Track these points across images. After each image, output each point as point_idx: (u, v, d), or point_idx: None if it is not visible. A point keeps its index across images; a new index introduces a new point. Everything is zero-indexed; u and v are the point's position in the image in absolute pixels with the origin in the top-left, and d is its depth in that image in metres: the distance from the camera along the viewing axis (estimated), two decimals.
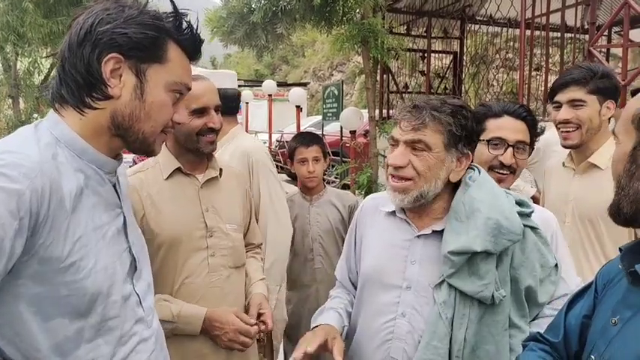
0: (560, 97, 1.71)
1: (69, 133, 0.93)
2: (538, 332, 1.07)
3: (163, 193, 1.52)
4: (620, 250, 0.88)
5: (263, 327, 1.57)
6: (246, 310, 1.62)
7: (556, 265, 1.25)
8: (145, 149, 1.01)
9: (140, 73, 0.94)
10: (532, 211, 1.23)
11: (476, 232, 1.14)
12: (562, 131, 1.71)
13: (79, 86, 0.92)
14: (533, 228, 1.23)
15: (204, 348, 1.52)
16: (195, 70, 1.79)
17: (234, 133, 2.18)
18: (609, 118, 1.73)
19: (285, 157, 3.81)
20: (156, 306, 1.29)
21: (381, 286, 1.29)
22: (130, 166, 2.02)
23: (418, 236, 1.26)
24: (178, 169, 1.55)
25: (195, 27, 1.01)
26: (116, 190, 1.02)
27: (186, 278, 1.50)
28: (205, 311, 1.48)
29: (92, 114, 0.94)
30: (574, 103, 1.67)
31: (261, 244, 1.92)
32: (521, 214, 1.20)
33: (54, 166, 0.86)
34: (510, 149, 1.49)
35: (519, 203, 1.23)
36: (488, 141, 1.51)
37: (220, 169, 1.63)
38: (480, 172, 1.26)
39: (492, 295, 1.14)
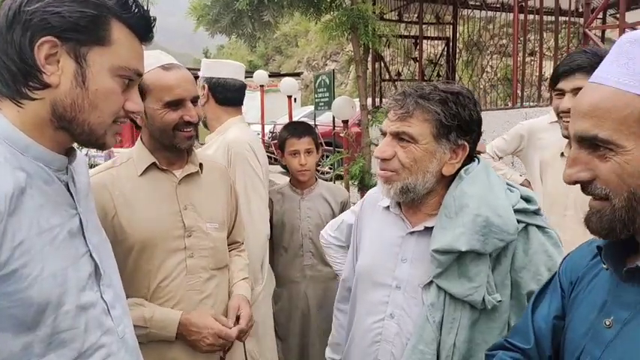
0: (564, 84, 1.62)
1: (8, 127, 0.83)
2: (505, 339, 0.99)
3: (137, 190, 1.42)
4: (599, 247, 0.82)
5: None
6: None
7: None
8: (94, 142, 0.91)
9: (80, 57, 0.84)
10: (539, 209, 1.12)
11: (462, 230, 1.06)
12: (564, 121, 1.64)
13: (12, 75, 0.82)
14: (540, 227, 1.12)
15: (182, 355, 1.43)
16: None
17: (228, 125, 2.07)
18: None
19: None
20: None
21: (372, 284, 1.24)
22: (105, 161, 1.92)
23: (411, 233, 1.19)
24: (154, 165, 1.44)
25: (143, 4, 0.89)
26: (69, 190, 0.92)
27: (162, 281, 1.41)
28: (180, 315, 1.39)
29: (31, 106, 0.84)
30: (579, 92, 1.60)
31: (244, 241, 1.82)
32: (525, 212, 1.10)
33: None
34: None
35: (526, 199, 1.12)
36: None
37: (200, 164, 1.52)
38: (478, 163, 1.16)
39: (484, 300, 1.05)
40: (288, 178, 2.49)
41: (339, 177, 6.02)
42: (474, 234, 1.05)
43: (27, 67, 0.82)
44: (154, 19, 0.93)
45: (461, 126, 1.12)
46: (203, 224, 1.48)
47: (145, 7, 0.90)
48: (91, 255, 0.93)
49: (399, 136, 1.13)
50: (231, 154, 1.95)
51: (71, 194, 0.92)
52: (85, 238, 0.93)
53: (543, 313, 0.92)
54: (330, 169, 6.94)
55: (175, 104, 1.41)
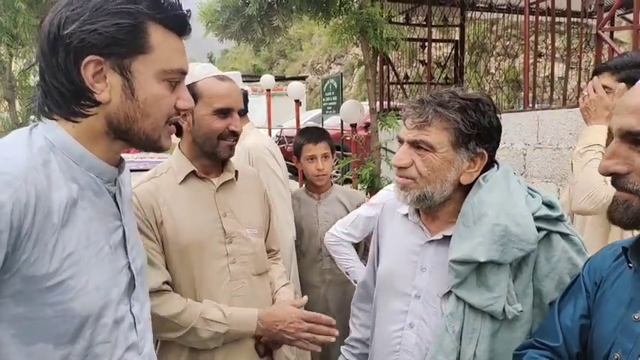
0: (597, 78, 1.72)
1: (65, 137, 0.83)
2: (534, 338, 1.00)
3: (178, 198, 1.44)
4: (625, 248, 0.88)
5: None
6: None
7: None
8: (152, 146, 0.92)
9: (124, 70, 0.83)
10: (561, 215, 1.09)
11: (480, 240, 1.03)
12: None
13: (63, 97, 0.82)
14: (563, 234, 1.09)
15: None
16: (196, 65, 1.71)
17: (244, 132, 2.10)
18: None
19: (286, 152, 3.70)
20: (207, 309, 1.32)
21: (393, 292, 1.22)
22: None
23: (430, 242, 1.17)
24: (192, 173, 1.47)
25: None
26: (116, 201, 0.92)
27: (207, 288, 1.42)
28: (257, 311, 1.41)
29: (86, 121, 0.84)
30: (605, 90, 1.67)
31: (279, 249, 1.83)
32: (547, 219, 1.07)
33: (43, 175, 0.76)
34: None
35: (548, 205, 1.09)
36: None
37: (236, 172, 1.54)
38: (497, 169, 1.14)
39: (504, 310, 1.03)
40: (297, 183, 2.50)
41: (347, 181, 6.00)
42: (492, 244, 1.03)
43: (76, 87, 0.81)
44: (189, 12, 0.90)
45: (480, 134, 1.09)
46: (243, 230, 1.49)
47: (179, 2, 0.88)
48: (130, 267, 0.93)
49: (416, 145, 1.11)
50: (252, 159, 1.97)
51: (118, 206, 0.92)
52: (126, 249, 0.93)
53: (569, 313, 0.95)
54: (338, 172, 6.93)
55: (224, 112, 1.44)
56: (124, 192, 0.97)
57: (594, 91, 1.68)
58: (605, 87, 1.67)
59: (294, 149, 2.39)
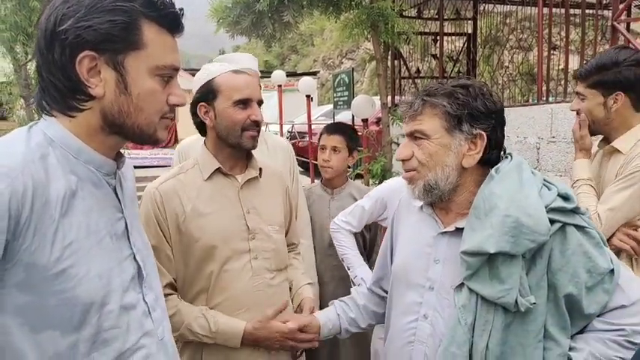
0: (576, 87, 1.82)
1: (63, 132, 0.87)
2: None
3: (203, 194, 1.48)
4: None
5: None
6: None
7: (612, 271, 1.09)
8: (147, 140, 0.94)
9: (118, 65, 0.86)
10: (577, 207, 1.09)
11: (490, 231, 1.04)
12: (577, 118, 1.82)
13: (59, 92, 0.85)
14: (579, 227, 1.08)
15: (245, 356, 1.49)
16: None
17: None
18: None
19: (297, 147, 3.71)
20: (193, 319, 1.34)
21: (407, 284, 1.24)
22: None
23: (443, 233, 1.19)
24: (218, 170, 1.50)
25: None
26: (117, 194, 0.95)
27: (229, 282, 1.46)
28: (244, 326, 1.43)
29: (82, 116, 0.87)
30: (579, 96, 1.78)
31: (300, 243, 1.88)
32: (562, 210, 1.07)
33: (41, 167, 0.80)
34: None
35: (564, 197, 1.09)
36: None
37: (260, 169, 1.57)
38: (511, 161, 1.14)
39: (517, 302, 1.03)
40: (308, 178, 2.54)
41: (359, 176, 6.00)
42: (503, 235, 1.03)
43: (72, 82, 0.84)
44: (182, 10, 0.93)
45: (472, 114, 1.11)
46: (265, 227, 1.53)
47: (172, 1, 0.91)
48: (134, 257, 0.96)
49: (413, 136, 1.16)
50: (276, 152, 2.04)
51: (118, 198, 0.95)
52: (129, 240, 0.96)
53: None
54: (350, 167, 6.93)
55: (244, 103, 1.47)
56: (125, 186, 1.00)
57: (580, 128, 1.76)
58: (579, 93, 1.77)
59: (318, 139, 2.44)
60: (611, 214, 1.57)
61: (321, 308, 2.33)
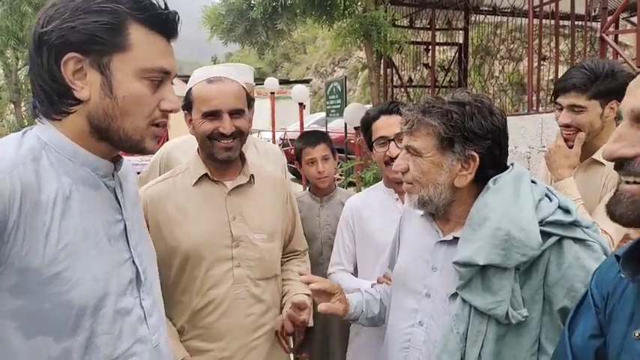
0: (562, 100, 1.69)
1: (58, 136, 0.85)
2: None
3: (190, 199, 1.46)
4: (617, 257, 0.80)
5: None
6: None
7: None
8: (135, 147, 0.90)
9: (103, 67, 0.83)
10: (575, 220, 1.07)
11: (481, 244, 1.04)
12: (564, 133, 1.72)
13: (47, 95, 0.84)
14: (579, 240, 1.06)
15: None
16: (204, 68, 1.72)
17: None
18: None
19: (290, 155, 3.72)
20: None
21: (405, 290, 1.25)
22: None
23: (441, 242, 1.19)
24: (206, 175, 1.48)
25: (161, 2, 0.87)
26: (116, 196, 0.93)
27: (209, 289, 1.43)
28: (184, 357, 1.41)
29: (71, 120, 0.86)
30: (574, 109, 1.65)
31: (307, 248, 1.83)
32: (560, 224, 1.05)
33: (31, 170, 0.79)
34: (392, 143, 1.67)
35: (564, 209, 1.08)
36: (373, 142, 1.74)
37: (252, 175, 1.54)
38: (510, 172, 1.13)
39: (508, 314, 1.02)
40: (299, 185, 2.51)
41: (351, 184, 6.01)
42: (493, 248, 1.03)
43: (58, 85, 0.83)
44: (176, 13, 0.90)
45: (465, 137, 1.10)
46: (251, 234, 1.50)
47: (163, 3, 0.88)
48: (133, 261, 0.93)
49: (408, 150, 1.17)
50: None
51: (117, 200, 0.93)
52: (128, 243, 0.93)
53: (580, 332, 0.88)
54: (341, 175, 6.93)
55: (213, 114, 1.43)
56: (126, 188, 0.98)
57: (575, 144, 1.65)
58: (575, 106, 1.64)
59: (295, 154, 2.39)
60: (618, 234, 1.54)
61: (314, 318, 2.33)
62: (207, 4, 4.99)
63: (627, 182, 0.72)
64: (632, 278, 0.76)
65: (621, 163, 0.73)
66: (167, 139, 1.53)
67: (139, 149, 0.91)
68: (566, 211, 1.07)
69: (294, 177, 9.04)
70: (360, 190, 4.95)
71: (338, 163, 2.35)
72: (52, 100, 0.84)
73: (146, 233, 1.04)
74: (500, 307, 1.03)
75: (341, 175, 7.10)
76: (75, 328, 0.81)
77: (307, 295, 1.59)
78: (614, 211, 0.73)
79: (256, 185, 1.55)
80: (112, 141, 0.88)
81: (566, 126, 1.68)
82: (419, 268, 1.22)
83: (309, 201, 2.39)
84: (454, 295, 1.11)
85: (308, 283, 1.35)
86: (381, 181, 1.89)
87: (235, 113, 1.46)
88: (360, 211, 1.87)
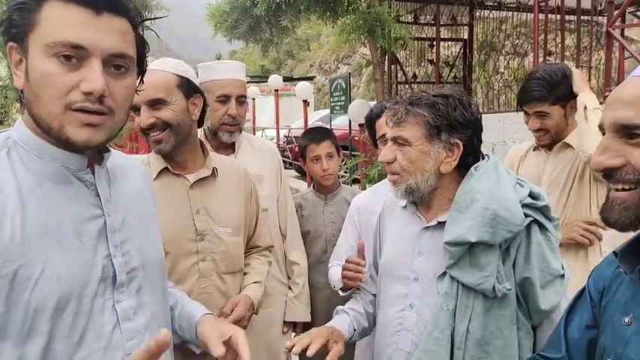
0: (527, 109, 1.92)
1: (25, 133, 0.83)
2: (538, 354, 1.04)
3: None
4: (615, 253, 0.86)
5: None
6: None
7: (562, 276, 1.18)
8: (58, 138, 0.80)
9: (25, 51, 0.79)
10: (545, 205, 1.18)
11: (471, 223, 1.13)
12: (535, 135, 1.97)
13: (17, 90, 0.84)
14: (542, 227, 1.17)
15: None
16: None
17: None
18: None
19: (294, 152, 3.71)
20: None
21: (393, 278, 1.32)
22: None
23: (426, 228, 1.27)
24: (166, 169, 1.46)
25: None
26: (97, 190, 0.88)
27: (177, 283, 1.41)
28: None
29: (27, 114, 0.84)
30: (540, 115, 1.88)
31: (272, 246, 1.81)
32: (532, 207, 1.16)
33: None
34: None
35: (534, 196, 1.19)
36: (378, 139, 1.82)
37: (214, 168, 1.51)
38: (488, 161, 1.24)
39: (494, 288, 1.12)
40: (304, 183, 2.50)
41: (355, 181, 6.00)
42: (483, 226, 1.11)
43: (17, 78, 0.83)
44: None
45: (451, 125, 1.18)
46: (215, 228, 1.48)
47: None
48: (110, 259, 0.86)
49: (396, 141, 1.23)
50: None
51: (98, 195, 0.88)
52: (107, 240, 0.87)
53: (576, 324, 0.95)
54: (346, 172, 6.93)
55: (134, 109, 1.42)
56: (117, 185, 0.94)
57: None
58: (540, 112, 1.86)
59: (299, 151, 2.38)
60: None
61: (314, 313, 2.33)
62: (211, 2, 4.99)
63: (617, 189, 0.77)
64: (629, 271, 0.82)
65: (609, 173, 0.77)
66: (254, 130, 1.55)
67: (63, 140, 0.80)
68: (536, 197, 1.19)
69: (298, 174, 9.05)
70: (365, 188, 4.96)
71: (342, 160, 2.35)
72: (19, 95, 0.84)
73: (153, 230, 1.00)
74: (487, 282, 1.12)
75: (345, 172, 7.11)
76: (32, 331, 0.75)
77: (257, 282, 1.60)
78: (609, 218, 0.78)
79: (220, 179, 1.53)
80: (46, 132, 0.81)
81: (537, 130, 1.91)
82: (405, 256, 1.30)
83: (313, 198, 2.39)
84: (442, 275, 1.19)
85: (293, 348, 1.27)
86: (387, 178, 1.91)
87: (156, 104, 1.40)
88: (367, 206, 1.90)
